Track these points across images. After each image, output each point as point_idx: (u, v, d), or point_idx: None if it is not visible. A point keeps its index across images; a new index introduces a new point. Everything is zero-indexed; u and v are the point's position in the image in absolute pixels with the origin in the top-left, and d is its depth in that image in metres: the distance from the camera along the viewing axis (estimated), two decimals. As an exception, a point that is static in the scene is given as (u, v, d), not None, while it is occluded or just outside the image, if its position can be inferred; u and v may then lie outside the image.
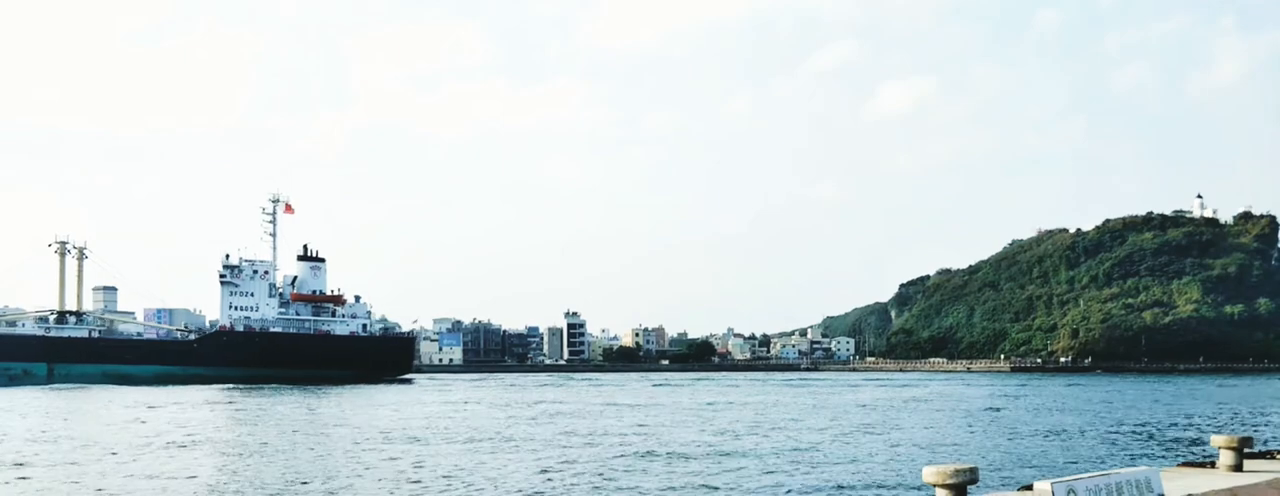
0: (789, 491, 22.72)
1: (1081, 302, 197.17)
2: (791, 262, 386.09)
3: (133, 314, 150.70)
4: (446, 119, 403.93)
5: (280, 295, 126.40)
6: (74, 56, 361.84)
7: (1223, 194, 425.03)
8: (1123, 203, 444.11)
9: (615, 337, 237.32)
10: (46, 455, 30.69)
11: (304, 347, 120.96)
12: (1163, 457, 29.43)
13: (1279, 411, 55.31)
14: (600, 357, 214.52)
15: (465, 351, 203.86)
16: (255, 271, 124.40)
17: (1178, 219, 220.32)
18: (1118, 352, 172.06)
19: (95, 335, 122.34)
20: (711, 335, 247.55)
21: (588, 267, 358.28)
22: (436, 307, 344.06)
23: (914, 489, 22.65)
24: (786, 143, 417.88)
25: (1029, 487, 8.76)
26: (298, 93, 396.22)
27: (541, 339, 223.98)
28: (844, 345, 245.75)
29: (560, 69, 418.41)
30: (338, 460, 29.43)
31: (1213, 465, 12.20)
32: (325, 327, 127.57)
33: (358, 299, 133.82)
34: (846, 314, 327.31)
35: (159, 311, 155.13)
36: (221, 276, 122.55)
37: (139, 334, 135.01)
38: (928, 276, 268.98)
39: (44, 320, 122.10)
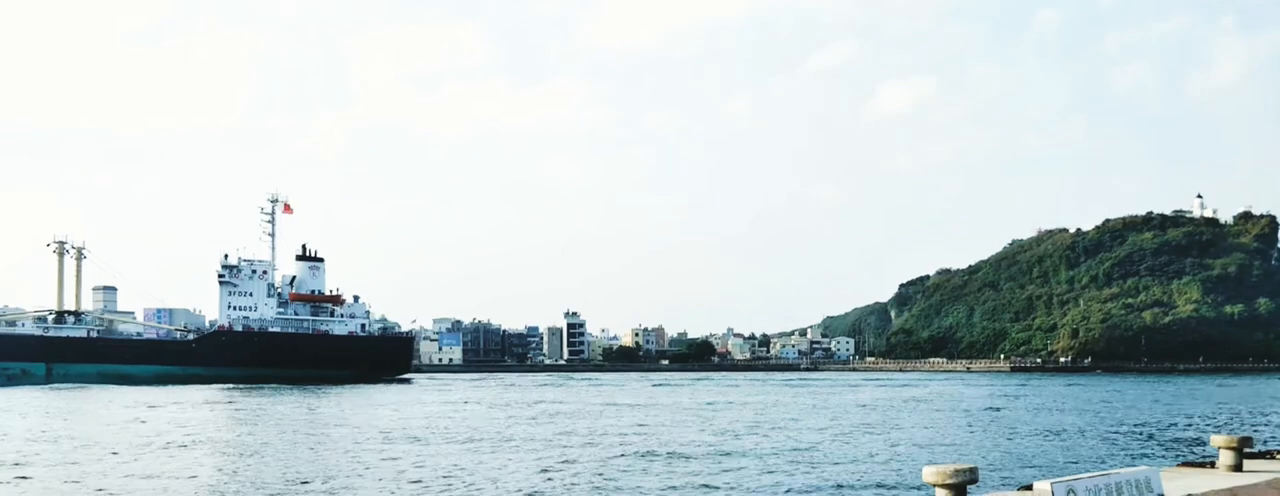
0: (789, 491, 22.71)
1: (1081, 302, 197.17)
2: (791, 263, 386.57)
3: (133, 314, 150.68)
4: (446, 119, 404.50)
5: (279, 295, 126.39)
6: (74, 56, 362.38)
7: (1223, 194, 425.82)
8: (1123, 202, 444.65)
9: (615, 337, 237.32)
10: (47, 455, 30.68)
11: (302, 347, 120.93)
12: (1163, 457, 29.42)
13: (1279, 411, 55.29)
14: (600, 357, 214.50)
15: (465, 351, 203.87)
16: (254, 271, 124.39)
17: (1178, 219, 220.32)
18: (1118, 352, 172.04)
19: (93, 335, 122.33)
20: (711, 335, 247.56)
21: (588, 267, 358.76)
22: (436, 307, 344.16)
23: (914, 489, 22.64)
24: (786, 143, 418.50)
25: (1029, 487, 8.75)
26: (298, 93, 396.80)
27: (541, 339, 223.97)
28: (844, 345, 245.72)
29: (560, 69, 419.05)
30: (337, 460, 29.42)
31: (1212, 465, 12.19)
32: (324, 327, 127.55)
33: (356, 299, 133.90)
34: (846, 314, 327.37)
35: (159, 311, 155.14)
36: (220, 276, 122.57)
37: (138, 334, 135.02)
38: (928, 276, 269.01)
39: (42, 320, 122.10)
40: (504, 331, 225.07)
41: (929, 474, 8.47)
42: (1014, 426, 42.64)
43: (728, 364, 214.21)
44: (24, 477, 25.33)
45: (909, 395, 75.83)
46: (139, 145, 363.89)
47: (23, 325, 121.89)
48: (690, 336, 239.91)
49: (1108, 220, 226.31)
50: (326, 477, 25.32)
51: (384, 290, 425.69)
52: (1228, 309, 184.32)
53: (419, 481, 24.39)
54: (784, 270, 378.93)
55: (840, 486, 23.40)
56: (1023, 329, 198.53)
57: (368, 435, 38.26)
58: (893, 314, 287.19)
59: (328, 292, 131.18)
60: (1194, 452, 28.57)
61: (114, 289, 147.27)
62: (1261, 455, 13.66)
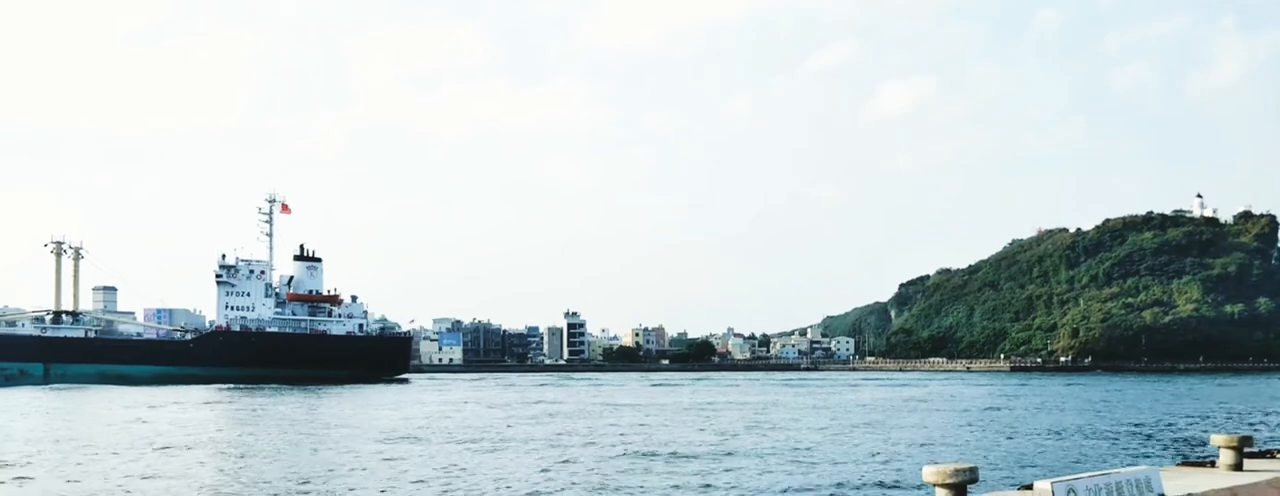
0: (789, 491, 22.68)
1: (1081, 302, 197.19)
2: (791, 262, 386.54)
3: (133, 314, 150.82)
4: (446, 119, 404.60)
5: (277, 295, 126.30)
6: (74, 56, 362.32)
7: (1223, 193, 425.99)
8: (1123, 202, 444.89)
9: (615, 337, 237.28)
10: (47, 455, 30.65)
11: (300, 347, 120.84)
12: (1163, 457, 29.40)
13: (1279, 411, 55.28)
14: (600, 357, 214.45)
15: (465, 351, 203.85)
16: (251, 271, 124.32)
17: (1178, 218, 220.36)
18: (1118, 352, 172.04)
19: (91, 335, 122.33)
20: (711, 335, 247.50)
21: (588, 267, 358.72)
22: (436, 307, 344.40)
23: (914, 488, 22.61)
24: (786, 143, 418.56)
25: (1029, 487, 8.72)
26: (298, 93, 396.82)
27: (541, 339, 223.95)
28: (844, 345, 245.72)
29: (560, 69, 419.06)
30: (337, 460, 29.39)
31: (1213, 464, 12.15)
32: (321, 327, 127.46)
33: (354, 299, 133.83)
34: (846, 313, 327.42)
35: (159, 311, 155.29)
36: (218, 276, 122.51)
37: (138, 334, 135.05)
38: (928, 276, 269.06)
39: (40, 320, 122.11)
40: (504, 331, 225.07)
41: (929, 473, 8.44)
42: (1014, 426, 42.62)
43: (728, 364, 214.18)
44: (24, 478, 25.29)
45: (909, 395, 75.81)
46: (139, 145, 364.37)
47: (21, 325, 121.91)
48: (690, 336, 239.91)
49: (1108, 220, 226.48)
50: (326, 478, 25.29)
51: (384, 290, 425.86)
52: (1228, 308, 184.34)
53: (420, 481, 24.36)
54: (784, 270, 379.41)
55: (840, 486, 23.37)
56: (1023, 328, 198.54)
57: (367, 435, 38.23)
58: (893, 314, 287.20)
59: (326, 293, 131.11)
60: (1194, 452, 28.54)
61: (114, 289, 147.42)
62: (1261, 454, 13.63)
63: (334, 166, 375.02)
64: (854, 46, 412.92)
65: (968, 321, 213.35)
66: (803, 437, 36.70)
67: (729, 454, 30.55)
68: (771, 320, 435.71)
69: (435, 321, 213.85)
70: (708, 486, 23.30)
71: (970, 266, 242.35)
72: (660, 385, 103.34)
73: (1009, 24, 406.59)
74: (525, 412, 53.07)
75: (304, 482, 24.37)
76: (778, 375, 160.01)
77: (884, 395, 76.16)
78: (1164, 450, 32.18)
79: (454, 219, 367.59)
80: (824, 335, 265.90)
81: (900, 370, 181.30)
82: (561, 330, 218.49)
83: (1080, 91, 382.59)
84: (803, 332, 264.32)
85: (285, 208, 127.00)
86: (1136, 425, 42.95)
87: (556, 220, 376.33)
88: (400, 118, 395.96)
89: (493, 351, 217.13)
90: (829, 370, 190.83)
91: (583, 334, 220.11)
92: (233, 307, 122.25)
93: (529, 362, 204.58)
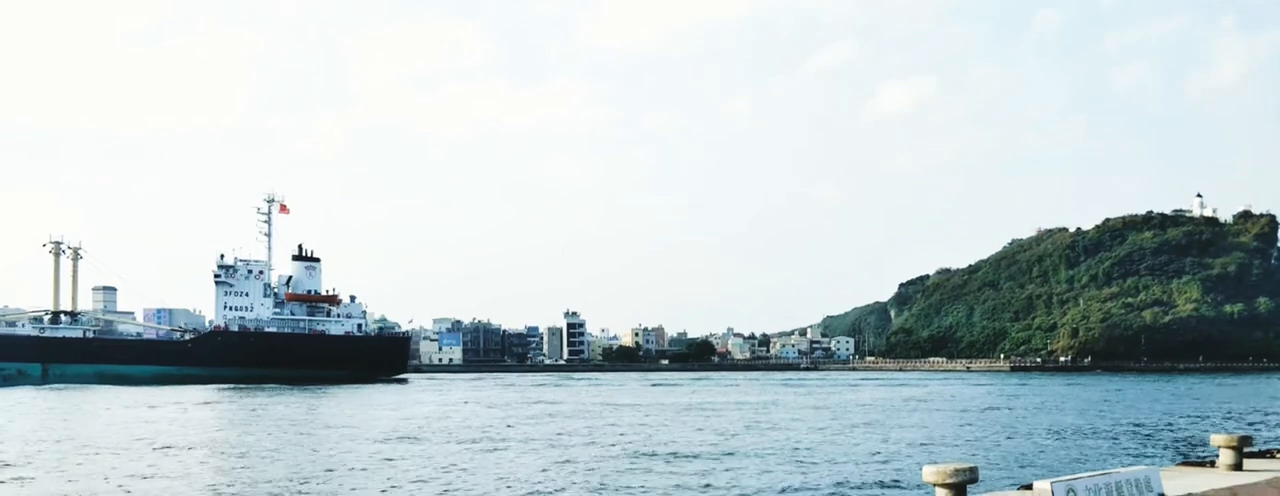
0: (789, 491, 22.65)
1: (1081, 302, 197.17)
2: (791, 262, 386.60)
3: (132, 314, 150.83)
4: (446, 119, 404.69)
5: (275, 295, 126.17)
6: (74, 56, 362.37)
7: (1222, 193, 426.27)
8: (1123, 202, 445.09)
9: (615, 337, 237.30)
10: (47, 455, 30.61)
11: (298, 348, 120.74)
12: (1163, 457, 29.38)
13: (1279, 411, 55.26)
14: (600, 357, 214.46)
15: (465, 351, 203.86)
16: (250, 271, 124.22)
17: (1177, 218, 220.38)
18: (1117, 352, 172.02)
19: (90, 335, 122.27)
20: (711, 335, 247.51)
21: (588, 267, 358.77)
22: (436, 307, 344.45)
23: (914, 488, 22.58)
24: (786, 143, 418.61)
25: (1029, 487, 8.70)
26: (298, 93, 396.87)
27: (541, 339, 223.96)
28: (844, 345, 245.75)
29: (560, 69, 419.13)
30: (336, 460, 29.36)
31: (1212, 464, 12.13)
32: (320, 327, 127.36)
33: (353, 299, 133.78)
34: (846, 313, 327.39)
35: (159, 311, 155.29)
36: (216, 276, 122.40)
37: (136, 334, 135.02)
38: (927, 276, 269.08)
39: (39, 320, 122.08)
40: (504, 331, 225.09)
41: (929, 473, 8.41)
42: (1014, 426, 42.60)
43: (727, 364, 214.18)
44: (23, 478, 25.25)
45: (909, 395, 75.79)
46: (139, 145, 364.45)
47: (20, 325, 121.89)
48: (690, 336, 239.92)
49: (1108, 219, 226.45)
50: (325, 478, 25.26)
51: (384, 290, 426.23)
52: (1227, 308, 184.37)
53: (420, 481, 24.33)
54: (784, 270, 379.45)
55: (840, 486, 23.34)
56: (1022, 328, 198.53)
57: (366, 435, 38.20)
58: (893, 313, 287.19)
59: (324, 292, 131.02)
60: (1194, 452, 28.51)
61: (114, 289, 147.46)
62: (1261, 454, 13.60)
63: (334, 166, 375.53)
64: (854, 46, 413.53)
65: (967, 321, 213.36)
66: (802, 437, 36.68)
67: (729, 454, 30.52)
68: (771, 320, 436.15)
69: (435, 321, 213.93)
70: (708, 486, 23.27)
71: (970, 266, 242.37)
72: (660, 385, 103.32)
73: (1009, 24, 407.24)
74: (525, 412, 53.04)
75: (303, 482, 24.34)
76: (777, 375, 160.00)
77: (884, 395, 76.14)
78: (1164, 450, 32.15)
79: (454, 219, 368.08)
80: (824, 335, 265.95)
81: (900, 370, 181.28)
82: (561, 330, 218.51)
83: (1080, 91, 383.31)
84: (802, 332, 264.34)
85: (284, 207, 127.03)
86: (1136, 425, 42.93)
87: (556, 220, 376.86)
88: (400, 118, 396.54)
89: (492, 351, 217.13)
90: (829, 370, 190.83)
91: (582, 334, 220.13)
92: (231, 308, 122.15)
93: (529, 362, 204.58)
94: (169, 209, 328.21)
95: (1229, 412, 52.59)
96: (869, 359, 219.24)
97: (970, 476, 8.33)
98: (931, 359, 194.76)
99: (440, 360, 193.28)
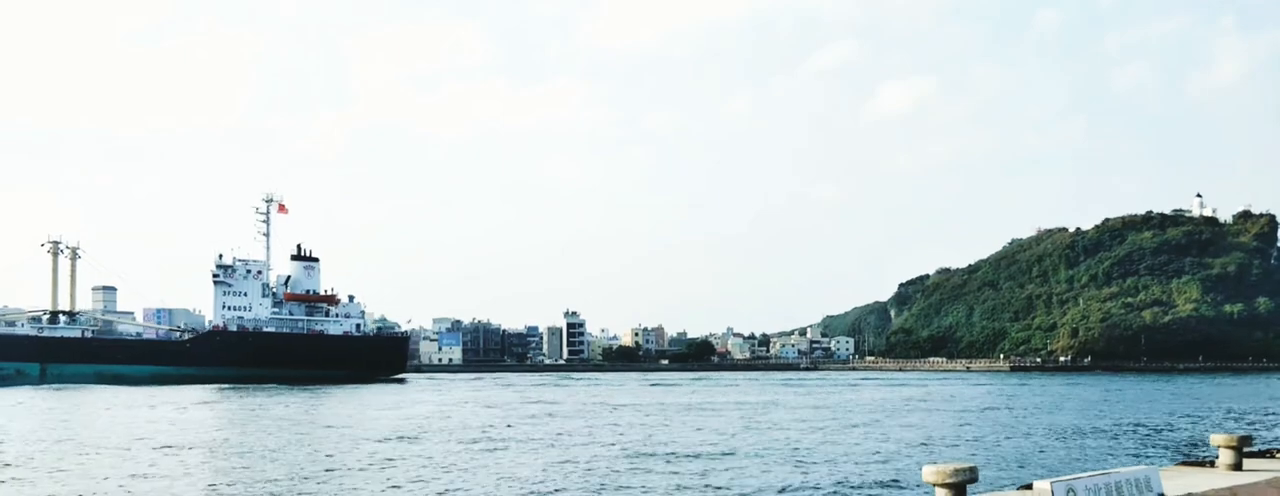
0: (789, 491, 22.64)
1: (1081, 302, 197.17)
2: (791, 262, 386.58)
3: (132, 314, 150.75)
4: (446, 119, 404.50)
5: (274, 295, 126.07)
6: (74, 56, 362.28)
7: (1222, 193, 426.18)
8: (1122, 202, 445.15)
9: (615, 337, 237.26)
10: (46, 455, 30.59)
11: (297, 347, 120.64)
12: (1163, 457, 29.37)
13: (1279, 411, 55.26)
14: (600, 357, 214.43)
15: (465, 351, 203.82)
16: (248, 271, 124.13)
17: (1177, 218, 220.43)
18: (1117, 352, 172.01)
19: (88, 335, 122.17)
20: (711, 335, 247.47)
21: (588, 267, 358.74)
22: (436, 307, 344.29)
23: (914, 488, 22.57)
24: (786, 143, 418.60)
25: (1029, 487, 8.69)
26: (298, 93, 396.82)
27: (541, 338, 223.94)
28: (843, 344, 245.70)
29: (560, 69, 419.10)
30: (335, 460, 29.34)
31: (1212, 464, 12.12)
32: (318, 327, 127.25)
33: (351, 298, 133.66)
34: (846, 313, 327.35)
35: (158, 311, 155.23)
36: (214, 276, 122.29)
37: (135, 334, 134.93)
38: (927, 276, 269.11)
39: (37, 320, 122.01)
40: (504, 331, 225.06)
41: (929, 473, 8.41)
42: (1014, 426, 42.59)
43: (727, 363, 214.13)
44: (22, 478, 25.24)
45: (908, 394, 75.79)
46: (139, 145, 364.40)
47: (19, 325, 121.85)
48: (690, 336, 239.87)
49: (1107, 219, 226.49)
50: (324, 478, 25.25)
51: (384, 290, 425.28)
52: (1227, 308, 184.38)
53: (419, 481, 24.32)
54: (784, 270, 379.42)
55: (840, 486, 23.33)
56: (1022, 328, 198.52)
57: (365, 435, 38.18)
58: (892, 313, 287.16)
59: (323, 292, 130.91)
60: (1194, 452, 28.50)
61: (113, 289, 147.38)
62: (1261, 454, 13.60)
63: (334, 166, 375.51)
64: (854, 46, 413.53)
65: (967, 321, 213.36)
66: (802, 437, 36.66)
67: (729, 454, 30.51)
68: (771, 320, 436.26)
69: (435, 321, 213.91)
70: (708, 486, 23.26)
71: (970, 266, 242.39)
72: (659, 385, 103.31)
73: (1009, 24, 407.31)
74: (524, 412, 53.03)
75: (302, 482, 24.32)
76: (777, 375, 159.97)
77: (883, 395, 76.14)
78: (1164, 450, 32.15)
79: (454, 219, 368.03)
80: (824, 335, 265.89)
81: (900, 370, 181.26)
82: (561, 330, 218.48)
83: (1080, 91, 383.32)
84: (802, 332, 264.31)
85: (282, 207, 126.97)
86: (1136, 425, 42.92)
87: (556, 220, 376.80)
88: (400, 118, 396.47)
89: (492, 351, 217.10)
90: (829, 370, 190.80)
91: (582, 334, 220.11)
92: (230, 307, 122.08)
93: (528, 362, 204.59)
94: (169, 209, 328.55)
95: (1229, 412, 52.59)
96: (869, 359, 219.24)
97: (970, 476, 8.32)
98: (931, 359, 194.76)
99: (440, 360, 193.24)
